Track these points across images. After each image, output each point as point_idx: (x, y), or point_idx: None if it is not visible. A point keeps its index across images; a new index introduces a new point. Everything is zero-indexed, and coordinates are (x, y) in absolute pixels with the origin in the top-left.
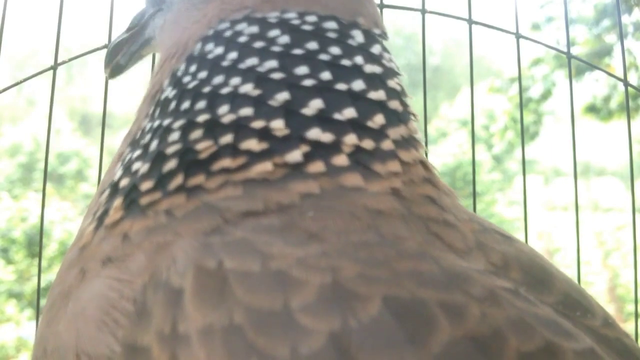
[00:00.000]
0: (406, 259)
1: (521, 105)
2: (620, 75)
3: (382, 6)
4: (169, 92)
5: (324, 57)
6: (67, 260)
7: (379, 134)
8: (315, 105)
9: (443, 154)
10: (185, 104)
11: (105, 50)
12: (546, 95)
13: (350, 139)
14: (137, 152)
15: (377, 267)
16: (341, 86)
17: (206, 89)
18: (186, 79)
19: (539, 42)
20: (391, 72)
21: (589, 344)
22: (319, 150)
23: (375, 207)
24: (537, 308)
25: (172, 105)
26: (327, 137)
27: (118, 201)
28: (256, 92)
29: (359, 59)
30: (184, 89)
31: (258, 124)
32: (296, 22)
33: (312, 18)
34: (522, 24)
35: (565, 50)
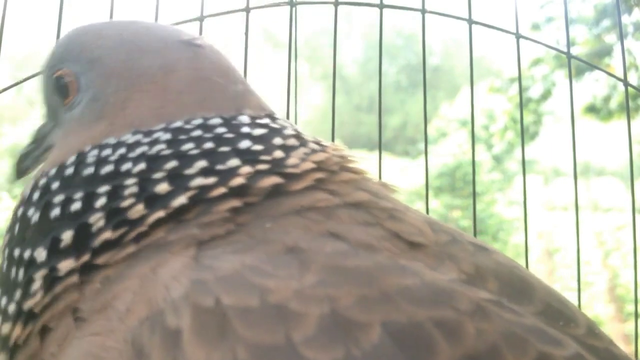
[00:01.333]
0: (387, 273)
1: (521, 105)
2: (620, 75)
3: (382, 6)
4: (30, 210)
5: (208, 135)
6: None
7: (279, 160)
8: (199, 165)
9: (443, 154)
10: (55, 211)
11: None
12: (546, 95)
13: (244, 169)
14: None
15: (366, 286)
16: (224, 149)
17: (79, 194)
18: (55, 184)
19: (539, 42)
20: (285, 128)
21: (576, 350)
22: (209, 188)
23: (312, 204)
24: (523, 318)
25: (23, 227)
26: (210, 180)
27: (39, 296)
28: (145, 171)
29: (245, 129)
30: (49, 201)
31: (143, 196)
32: (180, 124)
33: (197, 121)
34: (522, 24)
35: (565, 50)
